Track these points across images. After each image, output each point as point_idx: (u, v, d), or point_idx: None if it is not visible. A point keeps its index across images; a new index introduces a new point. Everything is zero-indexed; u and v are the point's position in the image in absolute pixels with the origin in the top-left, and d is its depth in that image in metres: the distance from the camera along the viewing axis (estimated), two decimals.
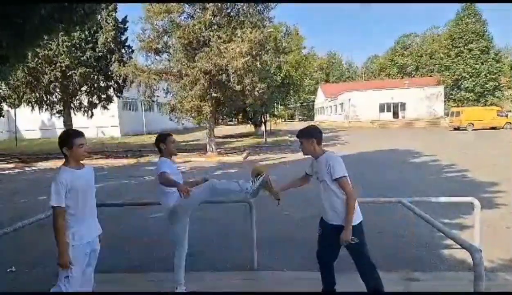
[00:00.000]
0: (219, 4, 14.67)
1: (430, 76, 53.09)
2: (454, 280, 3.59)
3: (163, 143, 3.32)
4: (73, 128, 2.67)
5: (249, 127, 35.39)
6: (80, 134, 2.58)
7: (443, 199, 4.33)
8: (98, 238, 2.74)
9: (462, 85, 41.55)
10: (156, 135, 3.49)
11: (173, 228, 3.40)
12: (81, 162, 2.63)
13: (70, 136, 2.54)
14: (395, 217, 5.48)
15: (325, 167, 2.80)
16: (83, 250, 2.55)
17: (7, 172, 14.87)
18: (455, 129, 29.37)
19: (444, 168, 11.17)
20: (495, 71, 41.04)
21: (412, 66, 68.71)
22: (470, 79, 40.89)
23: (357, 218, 2.79)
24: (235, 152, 18.39)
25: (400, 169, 11.21)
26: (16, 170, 15.17)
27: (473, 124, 28.60)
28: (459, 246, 2.48)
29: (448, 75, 42.19)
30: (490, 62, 40.73)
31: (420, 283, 3.51)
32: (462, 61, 41.25)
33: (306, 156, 3.03)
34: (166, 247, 5.05)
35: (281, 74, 27.14)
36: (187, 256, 3.54)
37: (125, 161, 16.36)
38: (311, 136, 2.93)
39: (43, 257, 4.88)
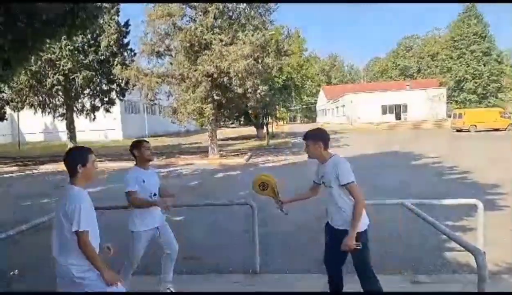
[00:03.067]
0: (221, 7, 14.72)
1: (432, 78, 53.04)
2: (457, 282, 3.57)
3: (136, 150, 3.22)
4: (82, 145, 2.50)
5: (251, 130, 35.41)
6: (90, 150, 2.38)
7: (446, 201, 4.30)
8: None
9: (464, 87, 41.45)
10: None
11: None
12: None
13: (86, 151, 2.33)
14: (397, 219, 5.46)
15: (332, 171, 2.71)
16: None
17: (10, 175, 14.93)
18: (457, 131, 29.28)
19: (447, 170, 11.12)
20: (497, 72, 40.95)
21: (414, 68, 68.70)
22: (473, 81, 40.79)
23: (363, 224, 2.72)
24: (237, 154, 18.39)
25: (402, 171, 11.18)
26: (19, 173, 15.23)
27: (475, 126, 28.50)
28: (462, 249, 2.47)
29: (450, 77, 42.10)
30: (492, 64, 40.66)
31: (424, 286, 3.49)
32: (464, 63, 41.19)
33: (308, 159, 2.96)
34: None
35: (283, 77, 27.23)
36: (189, 259, 3.53)
37: (126, 164, 16.39)
38: (318, 139, 2.82)
39: (46, 260, 4.89)
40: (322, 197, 3.41)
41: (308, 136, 2.86)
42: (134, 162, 3.29)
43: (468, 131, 28.31)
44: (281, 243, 5.11)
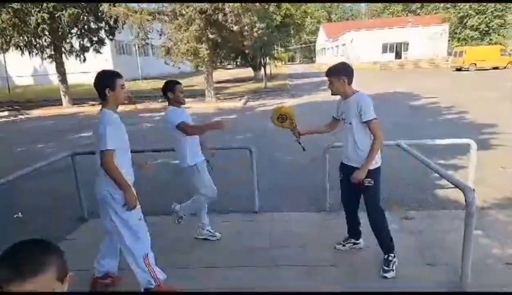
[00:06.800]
0: None
1: (436, 14, 50.72)
2: (446, 218, 3.73)
3: (171, 92, 3.17)
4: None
5: (248, 71, 34.58)
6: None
7: (440, 141, 4.35)
8: None
9: (467, 23, 39.99)
10: (163, 82, 3.30)
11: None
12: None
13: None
14: (392, 159, 5.55)
15: (354, 108, 2.64)
16: None
17: (3, 120, 14.78)
18: (457, 69, 28.77)
19: (444, 110, 11.12)
20: (501, 7, 39.26)
21: (417, 4, 65.29)
22: (476, 17, 39.28)
23: (376, 162, 2.72)
24: (234, 98, 18.16)
25: (399, 112, 11.15)
26: (11, 118, 15.06)
27: (475, 64, 27.94)
28: (454, 186, 2.54)
29: (454, 12, 40.37)
30: None
31: (414, 221, 3.66)
32: None
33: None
34: (167, 193, 5.18)
35: (281, 13, 25.87)
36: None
37: (121, 107, 16.19)
38: (341, 74, 2.72)
39: (49, 204, 5.03)
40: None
41: (331, 72, 2.77)
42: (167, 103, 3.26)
43: (468, 70, 27.82)
44: (283, 186, 5.22)
